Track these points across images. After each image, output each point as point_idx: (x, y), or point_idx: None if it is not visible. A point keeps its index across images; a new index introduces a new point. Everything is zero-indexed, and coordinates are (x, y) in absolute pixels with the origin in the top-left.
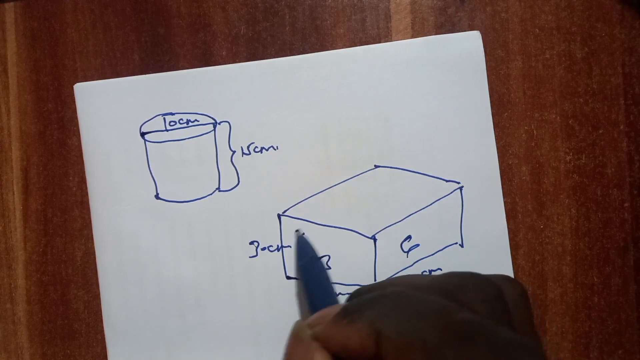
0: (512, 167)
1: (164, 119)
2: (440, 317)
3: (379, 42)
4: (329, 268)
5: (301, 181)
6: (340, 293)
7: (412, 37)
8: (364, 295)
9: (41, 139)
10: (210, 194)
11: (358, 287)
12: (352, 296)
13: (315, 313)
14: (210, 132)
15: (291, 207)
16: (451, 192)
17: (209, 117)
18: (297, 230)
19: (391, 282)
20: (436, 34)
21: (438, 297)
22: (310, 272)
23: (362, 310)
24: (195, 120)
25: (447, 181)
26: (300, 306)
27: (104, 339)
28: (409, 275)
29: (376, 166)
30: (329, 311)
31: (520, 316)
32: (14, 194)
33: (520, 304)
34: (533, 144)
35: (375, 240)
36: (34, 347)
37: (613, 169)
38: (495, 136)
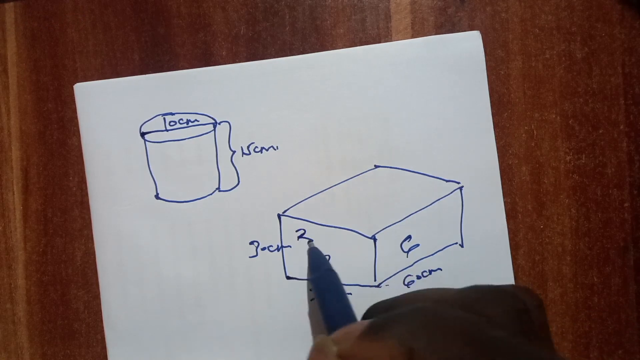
0: (512, 167)
1: (164, 119)
2: (473, 335)
3: (379, 42)
4: None
5: (301, 181)
6: None
7: (412, 37)
8: (391, 312)
9: (41, 139)
10: (210, 194)
11: (358, 286)
12: (370, 311)
13: (333, 328)
14: (210, 132)
15: (291, 207)
16: (451, 192)
17: (209, 117)
18: (309, 242)
19: (410, 296)
20: (436, 34)
21: (466, 313)
22: (326, 285)
23: (392, 326)
24: (195, 120)
25: (447, 181)
26: (300, 306)
27: (104, 339)
28: (428, 289)
29: (376, 166)
30: (355, 328)
31: (540, 327)
32: (14, 194)
33: (539, 314)
34: (533, 144)
35: (375, 240)
36: (34, 347)
37: (613, 169)
38: (495, 136)
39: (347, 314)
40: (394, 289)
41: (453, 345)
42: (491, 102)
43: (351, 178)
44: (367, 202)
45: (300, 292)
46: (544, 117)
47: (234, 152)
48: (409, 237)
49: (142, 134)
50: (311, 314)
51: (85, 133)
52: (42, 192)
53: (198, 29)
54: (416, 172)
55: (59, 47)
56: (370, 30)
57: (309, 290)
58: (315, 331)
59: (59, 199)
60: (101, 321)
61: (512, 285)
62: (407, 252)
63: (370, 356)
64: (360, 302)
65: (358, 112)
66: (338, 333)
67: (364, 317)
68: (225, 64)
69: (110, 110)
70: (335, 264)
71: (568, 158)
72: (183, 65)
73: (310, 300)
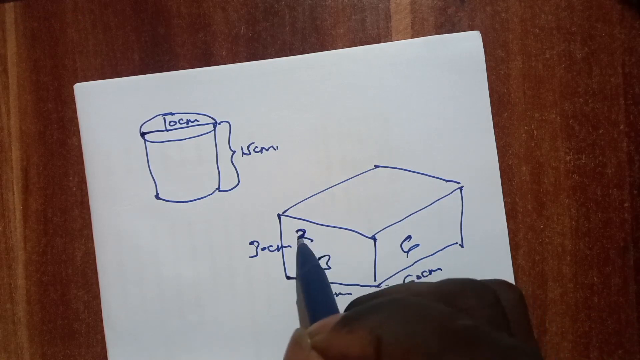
0: (512, 167)
1: (164, 119)
2: (441, 323)
3: (379, 42)
4: (329, 268)
5: (301, 181)
6: (340, 293)
7: (412, 37)
8: (364, 304)
9: (41, 139)
10: (210, 194)
11: (358, 287)
12: (351, 305)
13: (315, 322)
14: (210, 132)
15: (291, 207)
16: (451, 192)
17: (209, 117)
18: (298, 238)
19: (389, 290)
20: (436, 34)
21: (437, 303)
22: (312, 281)
23: (363, 317)
24: (195, 120)
25: (447, 181)
26: (300, 307)
27: (104, 339)
28: (410, 282)
29: (376, 166)
30: (329, 320)
31: (517, 321)
32: (14, 194)
33: (517, 308)
34: (533, 144)
35: (375, 240)
36: (34, 347)
37: (613, 169)
38: (495, 136)
39: (331, 309)
40: None
41: (420, 333)
42: (491, 102)
43: (351, 178)
44: (367, 202)
45: (300, 299)
46: (544, 117)
47: (234, 152)
48: (409, 237)
49: (142, 134)
50: None
51: (85, 133)
52: (42, 192)
53: (198, 29)
54: (416, 172)
55: (59, 47)
56: (370, 30)
57: (295, 278)
58: None
59: (59, 199)
60: (101, 321)
61: (493, 279)
62: (407, 252)
63: (342, 346)
64: None
65: (358, 112)
66: (314, 326)
67: (346, 310)
68: (225, 64)
69: (110, 110)
70: (335, 264)
71: (568, 158)
72: (183, 65)
73: (296, 300)
